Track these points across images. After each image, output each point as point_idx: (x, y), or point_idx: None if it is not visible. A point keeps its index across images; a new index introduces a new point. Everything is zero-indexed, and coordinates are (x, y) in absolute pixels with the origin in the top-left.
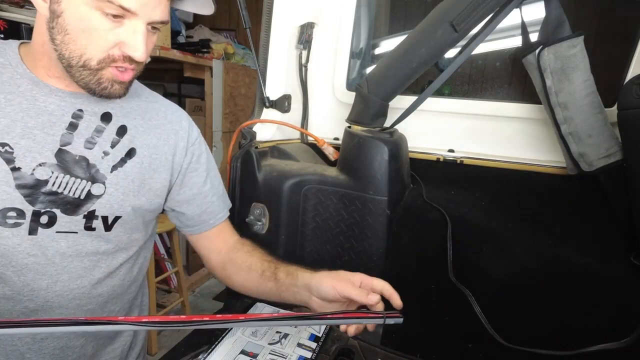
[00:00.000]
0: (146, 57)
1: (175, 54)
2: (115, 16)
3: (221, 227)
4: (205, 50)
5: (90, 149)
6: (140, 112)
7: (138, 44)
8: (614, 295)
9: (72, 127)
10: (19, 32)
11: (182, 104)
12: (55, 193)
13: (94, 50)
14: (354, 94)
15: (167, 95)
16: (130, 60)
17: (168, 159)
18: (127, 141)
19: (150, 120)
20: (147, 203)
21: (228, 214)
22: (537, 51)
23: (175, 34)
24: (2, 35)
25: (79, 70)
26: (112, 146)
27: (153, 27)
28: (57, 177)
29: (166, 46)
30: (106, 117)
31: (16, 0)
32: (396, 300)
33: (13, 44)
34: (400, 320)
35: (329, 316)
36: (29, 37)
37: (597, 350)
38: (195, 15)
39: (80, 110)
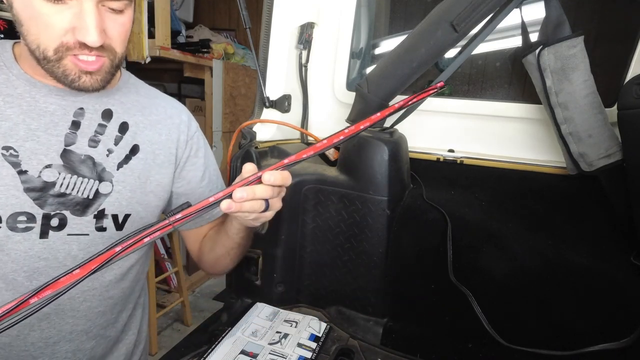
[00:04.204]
0: (101, 41)
1: (175, 54)
2: None
3: (215, 221)
4: (205, 50)
5: (95, 147)
6: (139, 108)
7: (88, 26)
8: (614, 296)
9: (75, 126)
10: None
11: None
12: (63, 194)
13: (46, 39)
14: (354, 94)
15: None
16: (87, 46)
17: (172, 153)
18: (129, 138)
19: (150, 116)
20: (155, 199)
21: None
22: (537, 51)
23: (175, 34)
24: (1, 35)
25: (43, 62)
26: (116, 143)
27: (111, 8)
28: (64, 178)
29: (166, 46)
30: (107, 114)
31: None
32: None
33: (6, 44)
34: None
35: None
36: None
37: (597, 350)
38: (196, 15)
39: (81, 108)
